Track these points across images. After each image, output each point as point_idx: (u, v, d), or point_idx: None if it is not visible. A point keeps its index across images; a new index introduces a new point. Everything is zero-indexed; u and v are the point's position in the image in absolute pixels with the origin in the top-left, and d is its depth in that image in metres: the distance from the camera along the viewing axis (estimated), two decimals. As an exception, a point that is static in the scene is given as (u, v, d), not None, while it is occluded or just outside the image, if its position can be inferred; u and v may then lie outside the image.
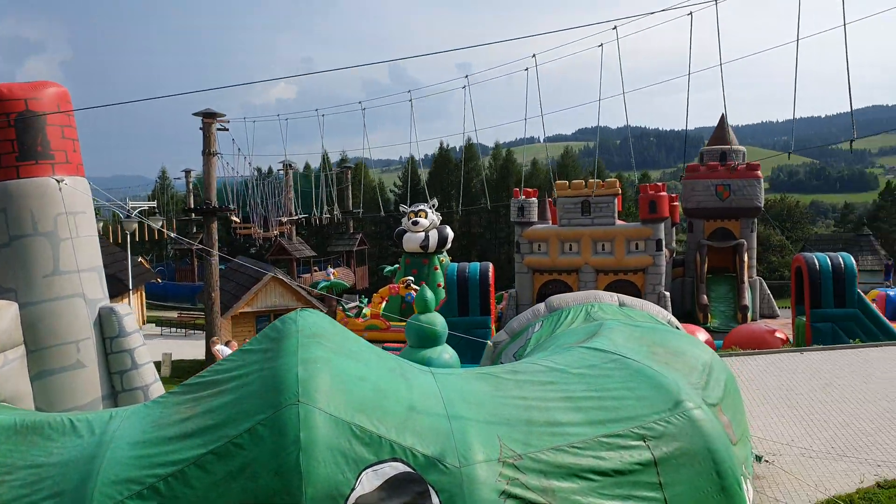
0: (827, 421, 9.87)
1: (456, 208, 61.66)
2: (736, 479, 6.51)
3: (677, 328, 9.72)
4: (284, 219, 33.87)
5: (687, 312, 28.46)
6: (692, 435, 6.47)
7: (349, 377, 5.99)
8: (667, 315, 9.79)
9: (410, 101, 22.35)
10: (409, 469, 5.59)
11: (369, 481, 5.47)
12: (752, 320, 27.10)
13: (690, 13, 8.58)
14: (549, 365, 7.23)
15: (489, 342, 9.68)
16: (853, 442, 9.03)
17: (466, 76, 18.16)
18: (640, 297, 26.50)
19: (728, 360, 13.89)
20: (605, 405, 6.53)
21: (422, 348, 9.68)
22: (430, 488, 5.54)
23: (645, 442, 6.33)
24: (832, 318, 18.53)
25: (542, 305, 9.78)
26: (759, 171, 28.35)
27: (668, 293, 26.20)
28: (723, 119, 29.75)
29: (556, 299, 9.73)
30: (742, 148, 29.74)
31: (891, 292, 27.05)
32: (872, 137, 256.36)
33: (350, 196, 39.05)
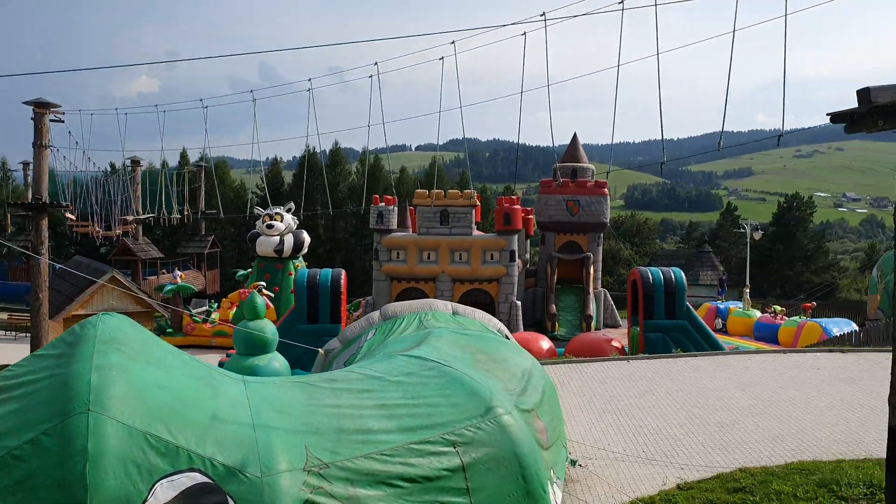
0: (642, 426, 10.43)
1: (321, 212, 60.92)
2: (541, 483, 6.76)
3: (507, 337, 10.01)
4: (130, 218, 32.19)
5: (537, 321, 29.46)
6: (501, 440, 6.65)
7: (148, 385, 5.73)
8: (497, 324, 10.06)
9: (253, 100, 21.79)
10: (207, 479, 5.41)
11: (164, 492, 5.25)
12: (597, 329, 28.42)
13: (524, 33, 8.91)
14: (367, 373, 7.23)
15: (320, 350, 9.58)
16: (662, 446, 9.59)
17: (310, 79, 18.00)
18: (494, 306, 27.27)
19: (562, 367, 14.47)
20: (418, 412, 6.60)
21: (250, 356, 9.44)
22: (229, 498, 5.39)
23: (455, 448, 6.45)
24: (663, 329, 19.70)
25: (376, 313, 9.79)
26: (605, 189, 29.81)
27: (519, 302, 27.01)
28: (575, 138, 31.11)
29: (391, 307, 9.77)
30: (591, 166, 31.21)
31: (721, 305, 29.22)
32: (718, 161, 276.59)
33: (202, 196, 37.69)
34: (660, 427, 10.36)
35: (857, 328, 21.99)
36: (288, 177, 67.53)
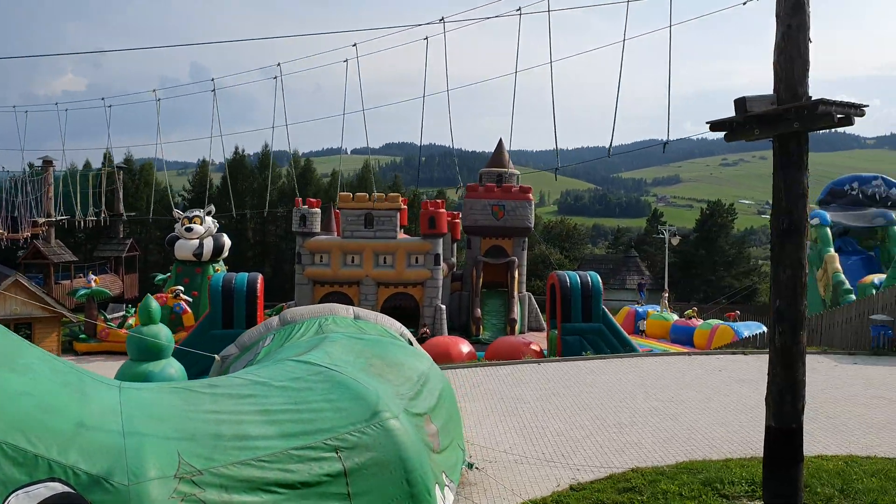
0: (545, 428, 10.55)
1: (249, 216, 59.80)
2: (426, 486, 6.76)
3: (409, 341, 10.00)
4: (41, 220, 31.00)
5: (463, 325, 29.58)
6: (386, 445, 6.62)
7: (8, 393, 5.50)
8: (399, 328, 10.04)
9: (157, 100, 21.29)
10: (68, 489, 5.23)
11: (19, 504, 5.07)
12: (521, 333, 28.71)
13: (426, 37, 8.93)
14: (251, 378, 7.11)
15: (217, 356, 9.38)
16: (562, 448, 9.70)
17: (213, 79, 17.73)
18: (419, 310, 27.26)
19: (477, 370, 14.55)
20: (301, 418, 6.52)
21: (143, 362, 9.18)
22: (93, 508, 5.23)
23: (337, 453, 6.38)
24: (580, 332, 20.02)
25: (275, 319, 9.65)
26: (530, 194, 30.17)
27: (444, 306, 27.07)
28: (500, 143, 31.42)
29: (290, 312, 9.64)
30: (516, 171, 31.58)
31: (639, 308, 29.90)
32: (648, 168, 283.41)
33: (120, 198, 36.57)
34: (562, 429, 10.50)
35: (766, 331, 22.77)
36: (217, 178, 66.23)
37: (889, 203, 28.74)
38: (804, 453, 9.05)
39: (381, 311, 27.38)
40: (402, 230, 30.16)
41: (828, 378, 12.91)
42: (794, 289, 7.15)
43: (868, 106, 7.16)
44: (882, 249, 27.81)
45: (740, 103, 7.12)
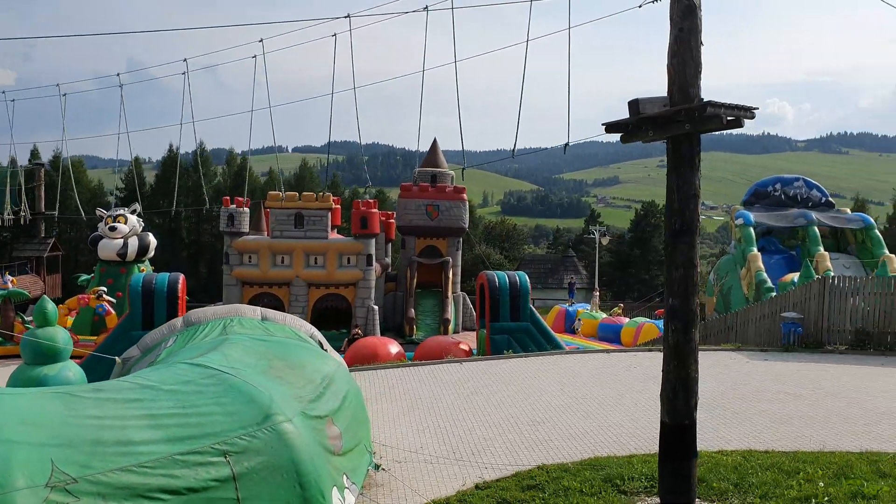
0: (458, 427, 10.55)
1: (184, 215, 58.44)
2: (319, 489, 6.66)
3: (319, 342, 9.88)
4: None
5: (397, 325, 29.50)
6: (278, 448, 6.50)
7: None
8: (310, 329, 9.91)
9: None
10: (-73, 504, 4.98)
11: None
12: (455, 332, 28.79)
13: (335, 34, 8.82)
14: (140, 382, 6.90)
15: (117, 359, 9.10)
16: (473, 447, 9.71)
17: (118, 74, 17.35)
18: (351, 311, 27.08)
19: (398, 370, 14.49)
20: (189, 422, 6.34)
21: (38, 365, 8.85)
22: (-47, 522, 4.98)
23: (226, 458, 6.23)
24: (508, 331, 20.14)
25: (179, 320, 9.41)
26: (464, 195, 30.27)
27: (376, 307, 26.94)
28: (434, 143, 31.43)
29: (195, 313, 9.41)
30: (451, 172, 31.64)
31: (569, 308, 30.31)
32: (589, 170, 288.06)
33: (42, 196, 35.36)
34: (475, 427, 10.51)
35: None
36: (151, 177, 64.67)
37: (810, 204, 29.72)
38: (708, 448, 9.31)
39: (313, 313, 27.19)
40: (336, 230, 29.93)
41: (738, 374, 13.25)
42: (686, 287, 7.30)
43: (758, 108, 7.35)
44: (802, 249, 28.70)
45: (633, 105, 7.23)
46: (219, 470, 6.12)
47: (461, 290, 31.11)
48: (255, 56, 11.87)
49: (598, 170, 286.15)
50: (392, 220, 31.64)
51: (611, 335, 26.39)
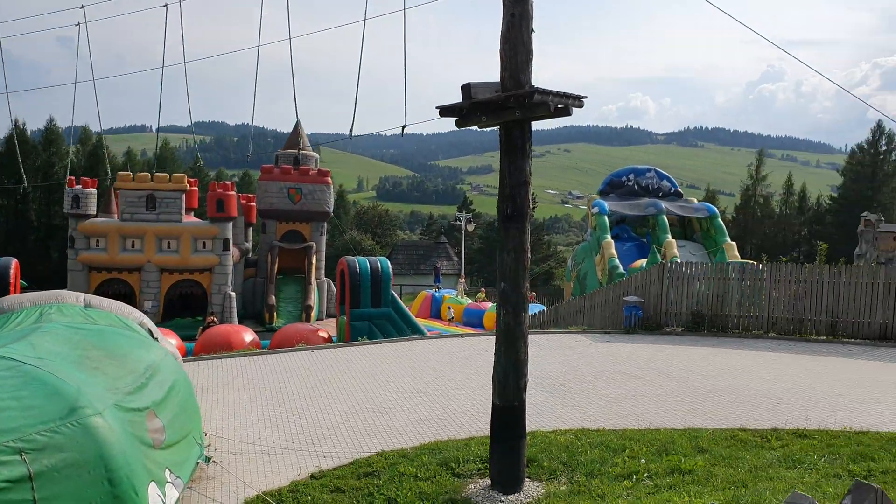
0: (302, 416, 10.31)
1: (32, 195, 54.52)
2: (132, 485, 6.26)
3: (149, 330, 9.34)
4: None
5: (257, 312, 28.69)
6: (83, 444, 6.04)
7: None
8: (139, 316, 9.34)
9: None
10: None
11: None
12: (319, 319, 28.33)
13: (165, 4, 8.27)
14: (-75, 377, 6.24)
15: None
16: (315, 435, 9.50)
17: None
18: (207, 297, 26.05)
19: (246, 359, 14.02)
20: (-23, 419, 5.79)
21: None
22: None
23: (21, 456, 5.73)
24: (369, 318, 20.02)
25: (-11, 306, 8.61)
26: (329, 178, 29.76)
27: (234, 293, 26.06)
28: (298, 124, 30.70)
29: (8, 300, 8.65)
30: (315, 154, 31.03)
31: (436, 293, 30.54)
32: (464, 157, 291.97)
33: None
34: (318, 416, 10.31)
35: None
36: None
37: (660, 194, 31.30)
38: (544, 428, 9.53)
39: (166, 299, 25.97)
40: (192, 213, 28.69)
41: (581, 356, 13.72)
42: (517, 272, 7.39)
43: (586, 97, 7.50)
44: (653, 236, 30.20)
45: (466, 89, 7.21)
46: (12, 470, 5.60)
47: (326, 277, 30.64)
48: (77, 24, 10.95)
49: (473, 158, 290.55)
50: (252, 204, 30.67)
51: (475, 320, 26.80)
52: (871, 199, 58.45)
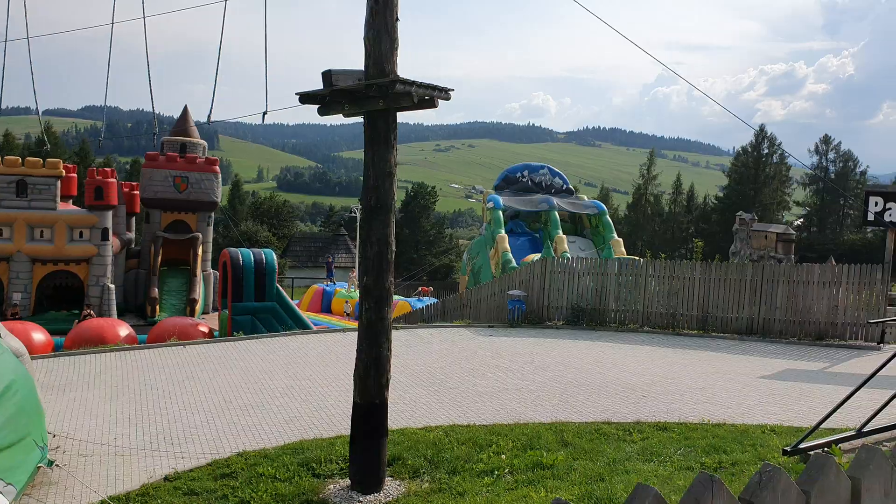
0: (165, 415, 9.81)
1: None
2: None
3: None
4: None
5: (140, 305, 27.47)
6: None
7: None
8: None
9: None
10: None
11: None
12: (205, 313, 27.38)
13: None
14: None
15: None
16: (176, 435, 9.05)
17: None
18: (83, 289, 24.66)
19: (111, 354, 13.29)
20: None
21: None
22: None
23: None
24: (252, 311, 19.42)
25: None
26: (216, 167, 28.77)
27: (113, 286, 24.81)
28: (185, 111, 29.52)
29: None
30: (202, 142, 29.92)
31: (327, 287, 30.06)
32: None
33: None
34: (182, 415, 9.84)
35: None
36: None
37: (553, 190, 31.88)
38: (416, 425, 9.41)
39: (39, 291, 24.42)
40: (71, 201, 27.13)
41: (463, 350, 13.72)
42: (381, 265, 7.21)
43: (453, 90, 7.39)
44: (545, 231, 30.74)
45: (326, 76, 6.96)
46: None
47: (214, 269, 29.60)
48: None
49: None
50: (136, 192, 29.27)
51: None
52: (753, 199, 61.65)
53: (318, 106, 7.24)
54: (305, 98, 7.08)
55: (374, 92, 6.81)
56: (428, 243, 65.44)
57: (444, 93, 7.29)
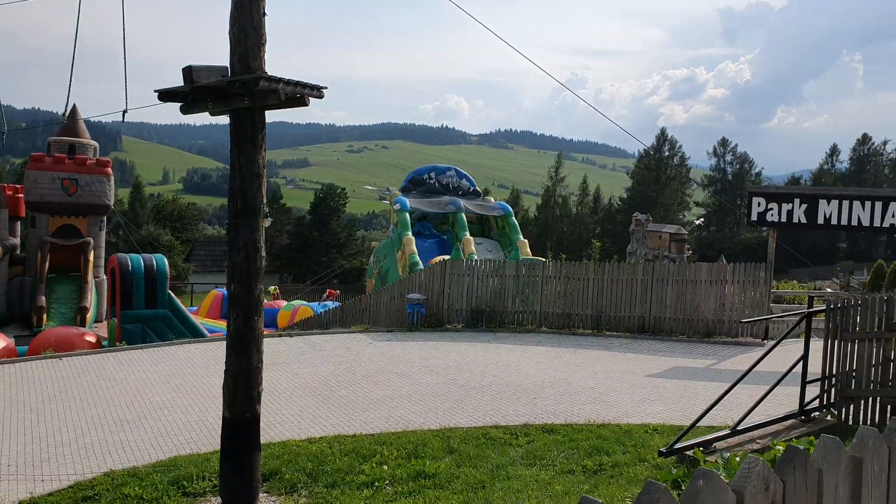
0: (27, 434, 9.14)
1: None
2: None
3: None
4: None
5: (25, 314, 25.91)
6: None
7: None
8: None
9: None
10: None
11: None
12: (98, 322, 26.13)
13: None
14: None
15: None
16: (38, 456, 8.42)
17: None
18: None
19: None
20: None
21: None
22: None
23: None
24: (143, 319, 18.56)
25: None
26: (109, 168, 27.47)
27: (-6, 295, 23.29)
28: (75, 110, 28.06)
29: None
30: (93, 142, 28.50)
31: (226, 292, 29.18)
32: (278, 150, 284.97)
33: None
34: (48, 433, 9.18)
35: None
36: None
37: (460, 192, 31.92)
38: (299, 436, 9.06)
39: None
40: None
41: (358, 356, 13.43)
42: (249, 272, 6.87)
43: (326, 88, 7.12)
44: (452, 233, 30.74)
45: (187, 72, 6.57)
46: None
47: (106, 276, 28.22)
48: None
49: (288, 151, 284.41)
50: (20, 195, 27.60)
51: (268, 319, 25.81)
52: (654, 199, 63.71)
53: (179, 104, 6.84)
54: (165, 95, 6.67)
55: (238, 89, 6.48)
56: (338, 246, 64.56)
57: (317, 91, 7.02)
